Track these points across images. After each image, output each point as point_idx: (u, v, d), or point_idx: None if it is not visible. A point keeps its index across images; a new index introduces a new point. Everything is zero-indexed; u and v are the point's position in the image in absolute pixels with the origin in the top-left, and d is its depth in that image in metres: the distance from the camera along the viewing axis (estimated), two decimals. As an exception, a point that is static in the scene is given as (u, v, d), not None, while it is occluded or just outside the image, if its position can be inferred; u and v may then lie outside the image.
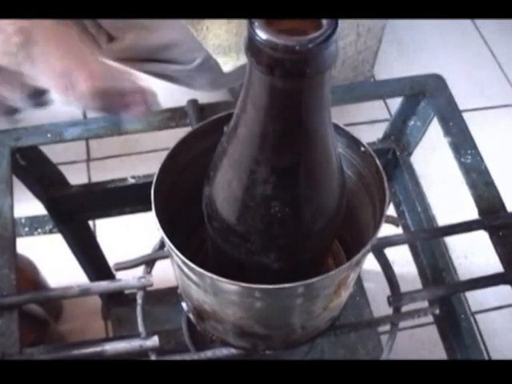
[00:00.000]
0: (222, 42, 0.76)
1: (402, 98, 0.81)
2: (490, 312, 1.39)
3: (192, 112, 0.75)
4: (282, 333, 0.56)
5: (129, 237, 1.36)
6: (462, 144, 0.75)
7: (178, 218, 0.54)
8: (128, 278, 0.65)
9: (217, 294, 0.49)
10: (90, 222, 1.31)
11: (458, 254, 1.44)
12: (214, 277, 0.45)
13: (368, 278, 1.24)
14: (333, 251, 0.65)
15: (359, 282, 1.21)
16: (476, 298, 1.36)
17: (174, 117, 0.76)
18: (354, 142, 0.52)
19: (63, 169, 0.80)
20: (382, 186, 0.49)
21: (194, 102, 0.76)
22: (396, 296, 0.65)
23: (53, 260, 1.24)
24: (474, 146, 0.75)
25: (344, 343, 1.08)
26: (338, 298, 0.53)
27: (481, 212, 0.71)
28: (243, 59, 0.77)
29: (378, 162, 0.50)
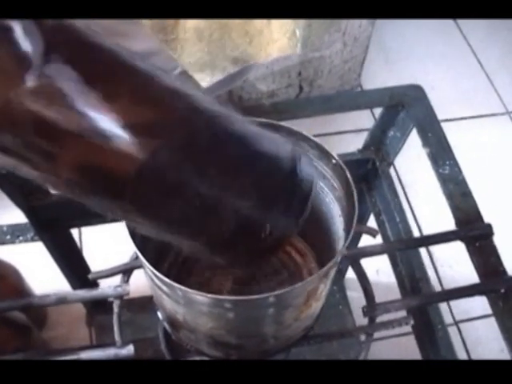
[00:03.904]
0: (197, 59, 0.76)
1: (382, 109, 0.81)
2: (475, 321, 1.39)
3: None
4: (254, 342, 0.57)
5: (116, 245, 1.36)
6: (440, 155, 0.76)
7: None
8: (104, 287, 0.65)
9: (188, 305, 0.50)
10: (76, 230, 1.30)
11: (443, 263, 1.45)
12: (184, 289, 0.46)
13: (352, 287, 1.24)
14: (307, 262, 0.65)
15: (342, 290, 1.21)
16: (461, 307, 1.37)
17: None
18: (325, 155, 0.53)
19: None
20: (351, 198, 0.50)
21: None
22: (370, 306, 0.65)
23: (39, 267, 1.23)
24: (452, 157, 0.76)
25: (326, 352, 1.08)
26: (309, 308, 0.53)
27: (458, 222, 0.71)
28: (219, 75, 0.77)
29: (348, 174, 0.51)
